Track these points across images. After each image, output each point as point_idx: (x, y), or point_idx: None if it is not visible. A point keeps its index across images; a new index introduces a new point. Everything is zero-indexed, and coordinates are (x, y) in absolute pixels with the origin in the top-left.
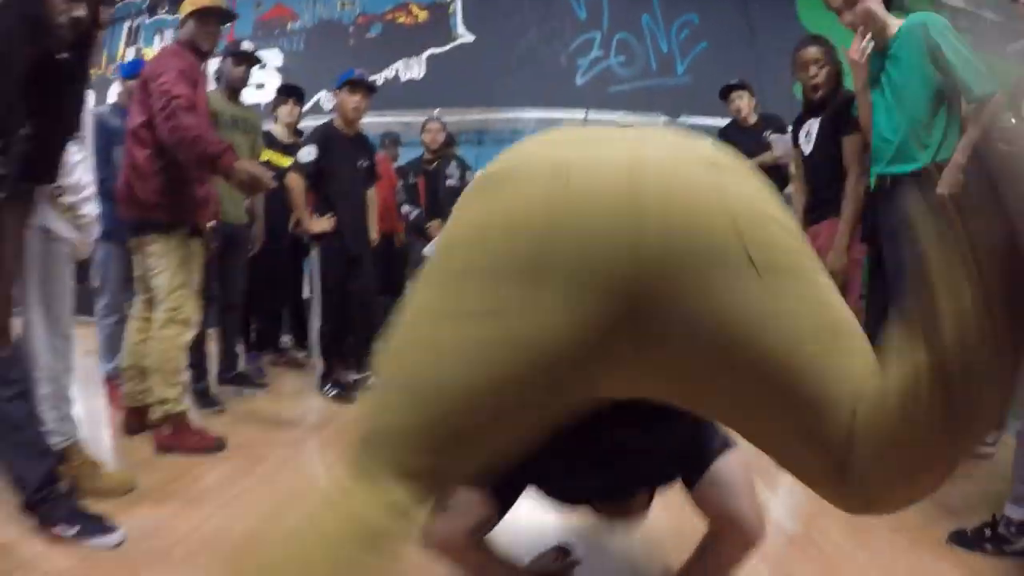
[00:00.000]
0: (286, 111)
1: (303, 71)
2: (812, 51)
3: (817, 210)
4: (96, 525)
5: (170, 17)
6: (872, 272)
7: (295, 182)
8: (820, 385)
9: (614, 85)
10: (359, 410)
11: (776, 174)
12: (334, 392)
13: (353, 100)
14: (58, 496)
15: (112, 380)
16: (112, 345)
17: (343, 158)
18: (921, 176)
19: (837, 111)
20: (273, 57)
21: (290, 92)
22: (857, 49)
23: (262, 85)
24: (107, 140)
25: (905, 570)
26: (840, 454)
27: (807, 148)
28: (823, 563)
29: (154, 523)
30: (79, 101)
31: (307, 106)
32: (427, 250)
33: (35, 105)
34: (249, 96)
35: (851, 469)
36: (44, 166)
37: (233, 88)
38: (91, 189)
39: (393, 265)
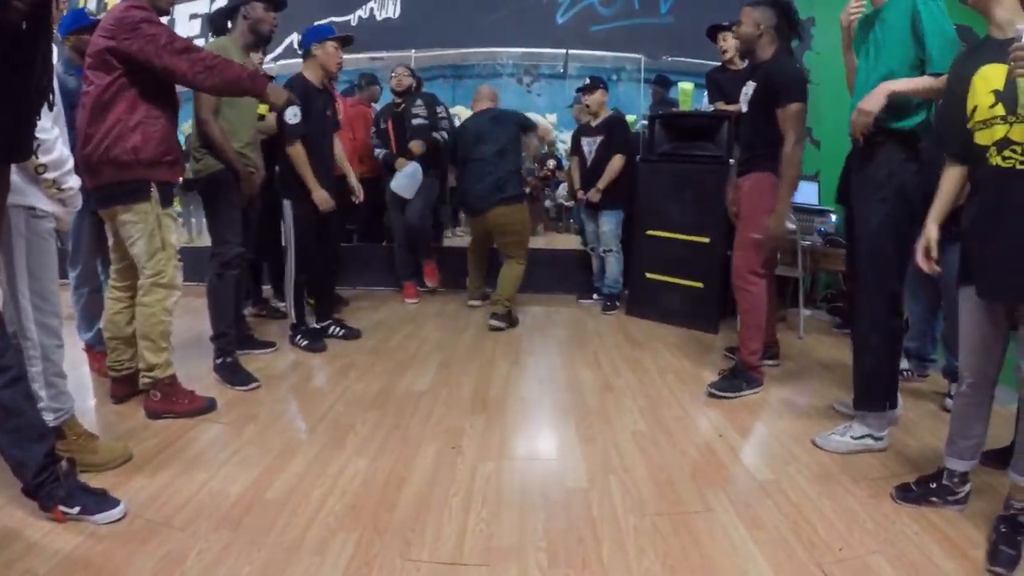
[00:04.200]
0: (257, 58)
1: None
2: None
3: (745, 164)
4: (98, 501)
5: None
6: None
7: (299, 152)
8: None
9: (595, 24)
10: None
11: None
12: (305, 343)
13: (339, 55)
14: (58, 476)
15: (92, 348)
16: (89, 314)
17: (317, 115)
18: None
19: (764, 82)
20: None
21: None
22: (846, 11)
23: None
24: (68, 103)
25: (866, 517)
26: None
27: (744, 107)
28: (789, 509)
29: (152, 492)
30: (44, 73)
31: (280, 48)
32: (393, 184)
33: None
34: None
35: None
36: (15, 145)
37: (258, 35)
38: (72, 162)
39: (380, 209)
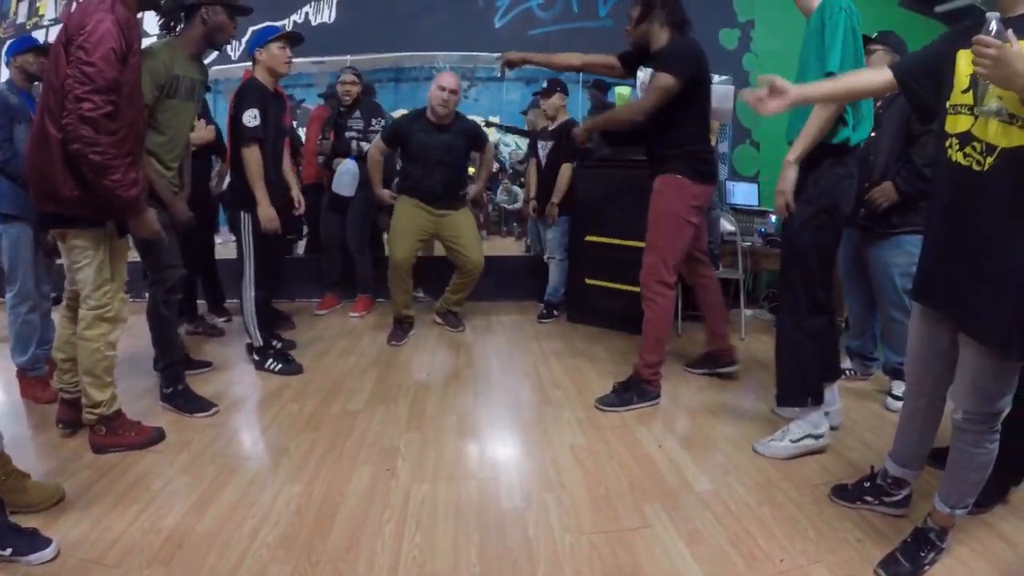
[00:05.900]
0: None
1: None
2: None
3: (653, 166)
4: (30, 542)
5: None
6: None
7: (255, 156)
8: None
9: (533, 28)
10: None
11: None
12: (279, 367)
13: (287, 55)
14: None
15: (25, 373)
16: (25, 336)
17: (270, 120)
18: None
19: (657, 63)
20: None
21: None
22: None
23: (183, 30)
24: (9, 118)
25: (807, 525)
26: None
27: (640, 93)
28: (729, 521)
29: (85, 528)
30: None
31: (212, 54)
32: (334, 185)
33: None
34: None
35: None
36: None
37: (212, 45)
38: None
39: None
